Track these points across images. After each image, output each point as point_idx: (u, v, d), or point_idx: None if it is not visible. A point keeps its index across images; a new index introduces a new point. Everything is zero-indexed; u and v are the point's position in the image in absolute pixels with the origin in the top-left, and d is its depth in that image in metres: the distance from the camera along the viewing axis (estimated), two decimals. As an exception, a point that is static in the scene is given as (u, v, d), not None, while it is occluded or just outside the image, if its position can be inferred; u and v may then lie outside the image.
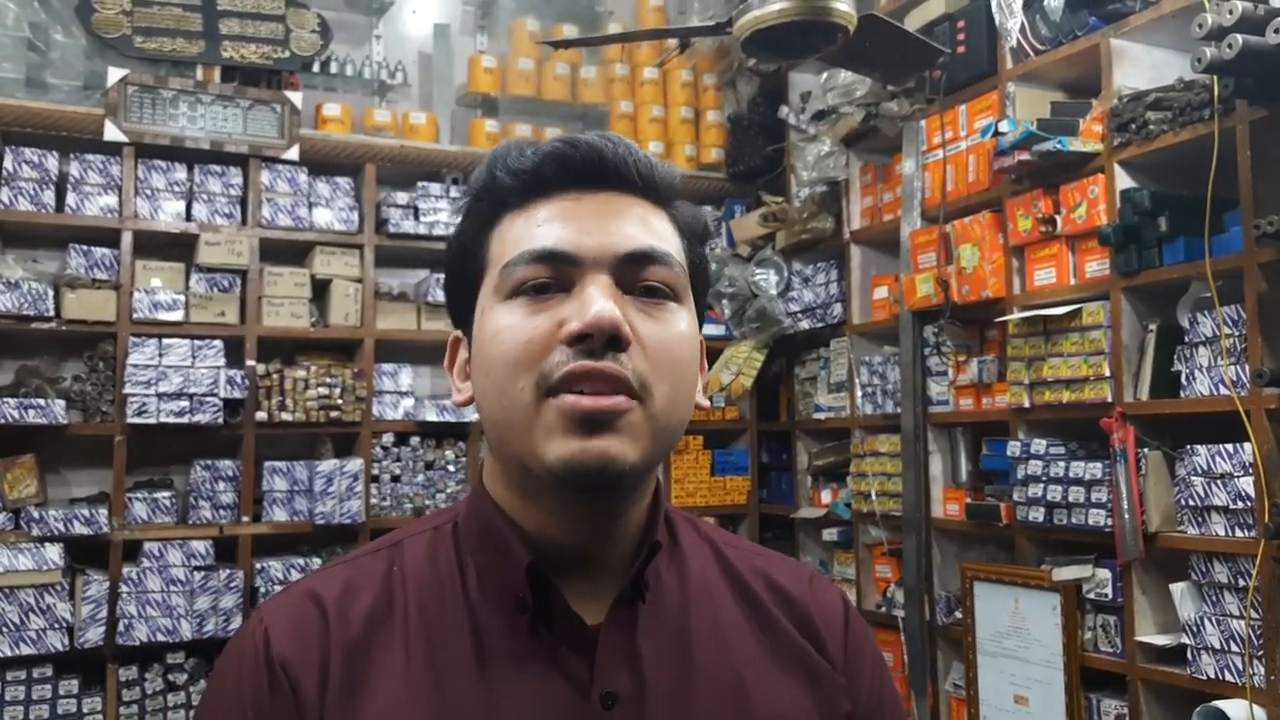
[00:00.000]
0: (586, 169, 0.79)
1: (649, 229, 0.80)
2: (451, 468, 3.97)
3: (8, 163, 3.48)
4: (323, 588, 0.81)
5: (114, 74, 3.58)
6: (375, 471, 3.86)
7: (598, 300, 0.74)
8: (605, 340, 0.74)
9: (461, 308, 0.85)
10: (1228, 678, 2.47)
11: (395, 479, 3.90)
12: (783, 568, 0.92)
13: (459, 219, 0.85)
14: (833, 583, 0.96)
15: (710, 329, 4.37)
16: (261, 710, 0.76)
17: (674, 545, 0.87)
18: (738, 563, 0.90)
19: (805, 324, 4.10)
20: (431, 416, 3.91)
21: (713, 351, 4.28)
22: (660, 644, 0.81)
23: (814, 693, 0.85)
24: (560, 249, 0.77)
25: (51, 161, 3.53)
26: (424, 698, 0.76)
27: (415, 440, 3.93)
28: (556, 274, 0.77)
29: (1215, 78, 2.47)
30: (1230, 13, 2.19)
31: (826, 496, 4.02)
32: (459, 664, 0.77)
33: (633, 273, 0.78)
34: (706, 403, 0.88)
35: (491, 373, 0.78)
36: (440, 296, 3.96)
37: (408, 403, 3.93)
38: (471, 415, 3.92)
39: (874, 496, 3.64)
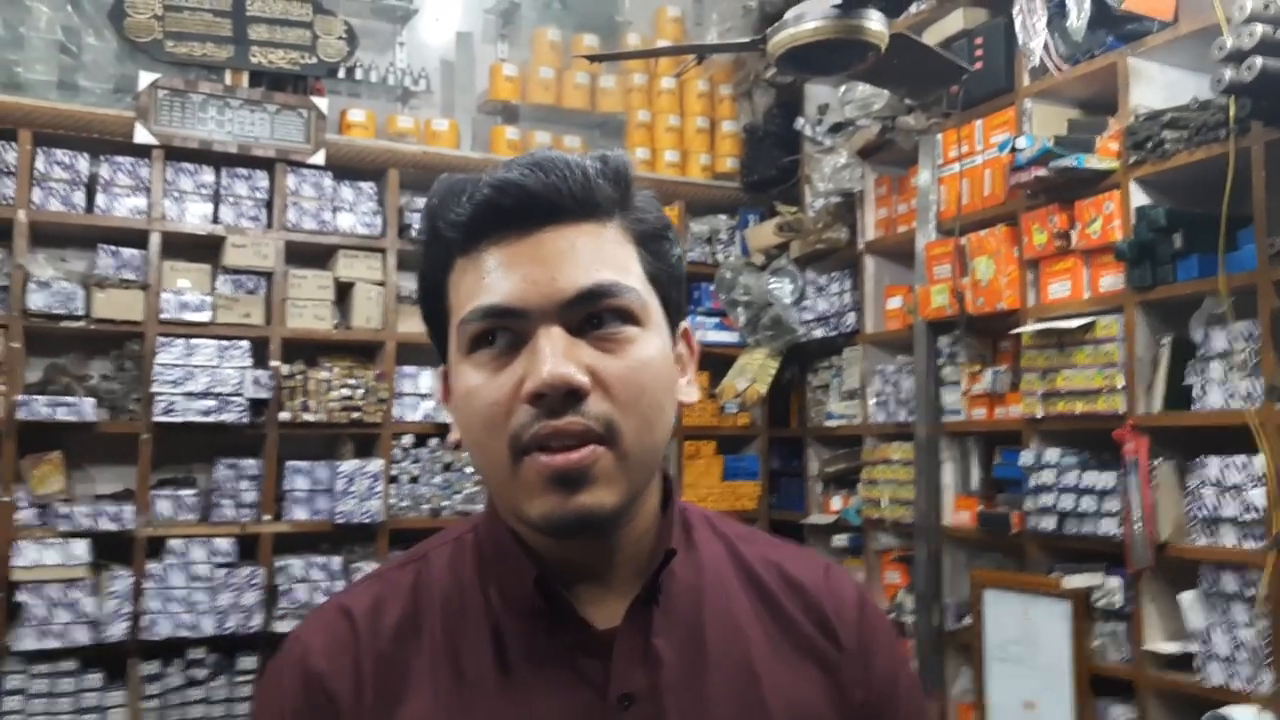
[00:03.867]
0: (519, 210, 0.78)
1: (596, 258, 0.79)
2: (469, 469, 4.02)
3: (39, 163, 3.54)
4: (353, 603, 0.85)
5: (145, 78, 3.64)
6: (394, 472, 3.91)
7: (548, 358, 0.75)
8: (562, 396, 0.75)
9: (441, 344, 0.86)
10: (1235, 685, 2.52)
11: (414, 480, 3.95)
12: (798, 560, 0.93)
13: (419, 257, 0.86)
14: (848, 573, 0.98)
15: (725, 336, 4.43)
16: None
17: (689, 543, 0.89)
18: (751, 557, 0.91)
19: (819, 332, 4.16)
20: (450, 419, 3.95)
21: (727, 358, 4.34)
22: (674, 641, 0.83)
23: (827, 683, 0.86)
24: (506, 305, 0.77)
25: (82, 163, 3.60)
26: (451, 705, 0.80)
27: (434, 442, 3.99)
28: (508, 326, 0.78)
29: (1233, 98, 2.53)
30: (1250, 35, 2.25)
31: (837, 503, 4.07)
32: (483, 671, 0.80)
33: (584, 311, 0.78)
34: (693, 397, 0.89)
35: (470, 431, 0.80)
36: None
37: (427, 405, 3.99)
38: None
39: (885, 504, 3.69)
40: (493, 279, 0.78)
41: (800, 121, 4.21)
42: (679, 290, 0.87)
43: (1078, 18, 2.60)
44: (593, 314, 0.78)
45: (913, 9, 3.65)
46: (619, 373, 0.78)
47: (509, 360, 0.78)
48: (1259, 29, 2.20)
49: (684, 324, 0.89)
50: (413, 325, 4.02)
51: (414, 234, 0.86)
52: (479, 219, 0.79)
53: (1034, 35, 2.61)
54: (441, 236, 0.82)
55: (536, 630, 0.81)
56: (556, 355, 0.76)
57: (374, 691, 0.81)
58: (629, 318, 0.79)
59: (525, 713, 0.79)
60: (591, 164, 0.81)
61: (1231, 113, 2.55)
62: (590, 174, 0.80)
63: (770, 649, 0.86)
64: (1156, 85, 2.92)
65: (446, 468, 4.00)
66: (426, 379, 4.01)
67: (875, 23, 1.95)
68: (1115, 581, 2.88)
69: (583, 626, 0.81)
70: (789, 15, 1.98)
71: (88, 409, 3.44)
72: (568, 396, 0.75)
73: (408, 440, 3.95)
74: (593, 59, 2.66)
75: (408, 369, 3.97)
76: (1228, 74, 2.28)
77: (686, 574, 0.87)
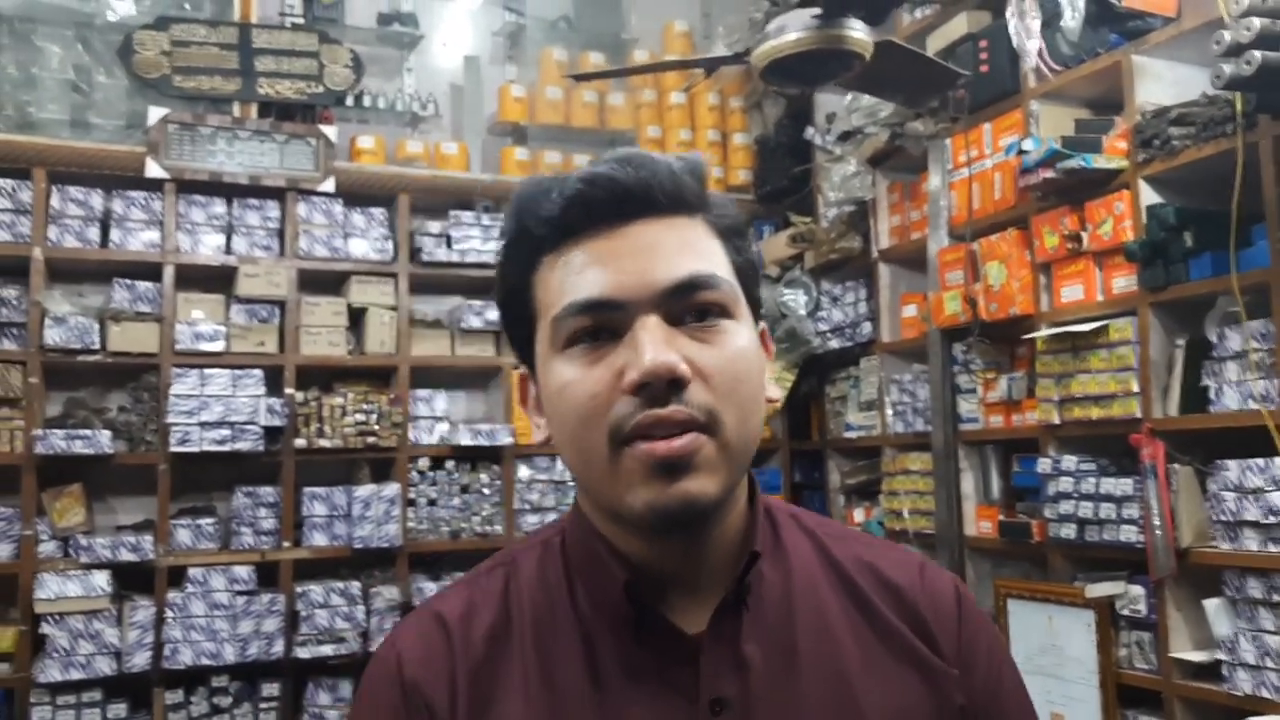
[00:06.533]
0: (610, 204, 0.78)
1: (688, 250, 0.79)
2: (486, 490, 4.02)
3: (54, 201, 3.60)
4: (446, 609, 0.85)
5: (154, 113, 3.69)
6: (412, 495, 3.92)
7: (649, 346, 0.75)
8: (665, 385, 0.74)
9: (522, 346, 0.85)
10: (1264, 694, 2.45)
11: (432, 503, 3.95)
12: (891, 558, 0.91)
13: (500, 259, 0.86)
14: (944, 570, 0.94)
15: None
16: None
17: (776, 543, 0.87)
18: (842, 557, 0.89)
19: (835, 343, 4.12)
20: (466, 440, 3.96)
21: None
22: (765, 646, 0.81)
23: (926, 687, 0.84)
24: (604, 297, 0.77)
25: (96, 199, 3.65)
26: (543, 714, 0.79)
27: (451, 464, 3.99)
28: (605, 320, 0.77)
29: (1237, 93, 2.48)
30: (1248, 29, 2.20)
31: (859, 515, 4.02)
32: (573, 679, 0.80)
33: (681, 302, 0.78)
34: (778, 394, 0.89)
35: (565, 426, 0.79)
36: (474, 322, 4.04)
37: (443, 427, 3.99)
38: (505, 439, 3.98)
39: (906, 515, 3.64)
40: (587, 274, 0.78)
41: (810, 131, 4.18)
42: (758, 287, 0.87)
43: (1072, 17, 2.55)
44: (688, 306, 0.78)
45: (916, 14, 3.63)
46: (717, 363, 0.77)
47: (604, 353, 0.77)
48: (1257, 22, 2.15)
49: (761, 325, 0.88)
50: (426, 348, 4.03)
51: (502, 229, 0.87)
52: (570, 213, 0.79)
53: (1029, 37, 2.56)
54: (529, 235, 0.81)
55: (626, 639, 0.80)
56: (658, 344, 0.75)
57: (468, 699, 0.80)
58: (723, 310, 0.79)
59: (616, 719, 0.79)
60: (674, 161, 0.82)
61: (1238, 107, 2.50)
62: (676, 169, 0.80)
63: (864, 654, 0.84)
64: (1163, 82, 2.87)
65: (464, 490, 4.00)
66: (441, 402, 4.02)
67: (857, 32, 1.93)
68: (1139, 589, 2.82)
69: (673, 634, 0.80)
70: (770, 27, 1.96)
71: (104, 441, 3.48)
72: (670, 385, 0.74)
73: (424, 463, 3.95)
74: (579, 78, 2.66)
75: (421, 392, 3.98)
76: (1228, 69, 2.23)
77: (775, 576, 0.85)
